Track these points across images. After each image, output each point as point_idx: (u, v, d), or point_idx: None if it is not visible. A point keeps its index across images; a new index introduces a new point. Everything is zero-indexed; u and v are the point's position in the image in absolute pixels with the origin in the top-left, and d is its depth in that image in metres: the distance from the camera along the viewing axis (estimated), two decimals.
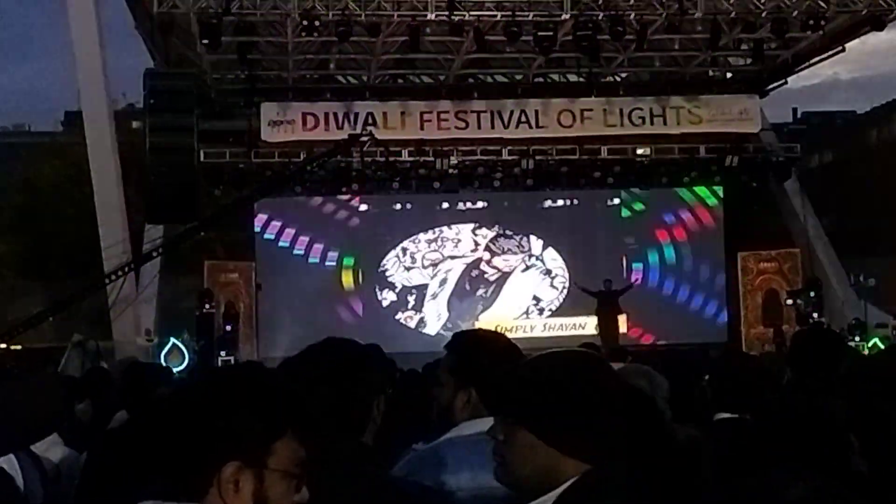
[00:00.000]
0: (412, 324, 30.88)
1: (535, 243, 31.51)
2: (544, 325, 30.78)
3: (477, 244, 31.37)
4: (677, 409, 5.47)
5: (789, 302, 29.40)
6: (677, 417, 5.36)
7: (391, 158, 29.24)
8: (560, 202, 31.61)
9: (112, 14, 26.53)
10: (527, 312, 31.14)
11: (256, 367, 2.80)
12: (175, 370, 23.67)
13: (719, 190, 31.57)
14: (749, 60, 29.64)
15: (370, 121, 28.53)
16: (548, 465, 2.88)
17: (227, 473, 2.51)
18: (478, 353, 4.03)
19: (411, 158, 29.70)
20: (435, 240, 31.31)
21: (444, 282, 31.23)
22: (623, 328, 28.71)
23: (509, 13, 24.31)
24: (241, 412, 2.56)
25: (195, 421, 2.56)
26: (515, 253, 31.51)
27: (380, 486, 3.36)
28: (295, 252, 30.88)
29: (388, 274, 31.12)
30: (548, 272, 31.39)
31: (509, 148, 30.01)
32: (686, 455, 4.69)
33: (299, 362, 3.55)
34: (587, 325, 29.21)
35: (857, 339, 25.87)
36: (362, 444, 3.39)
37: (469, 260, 31.31)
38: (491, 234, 31.37)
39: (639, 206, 31.69)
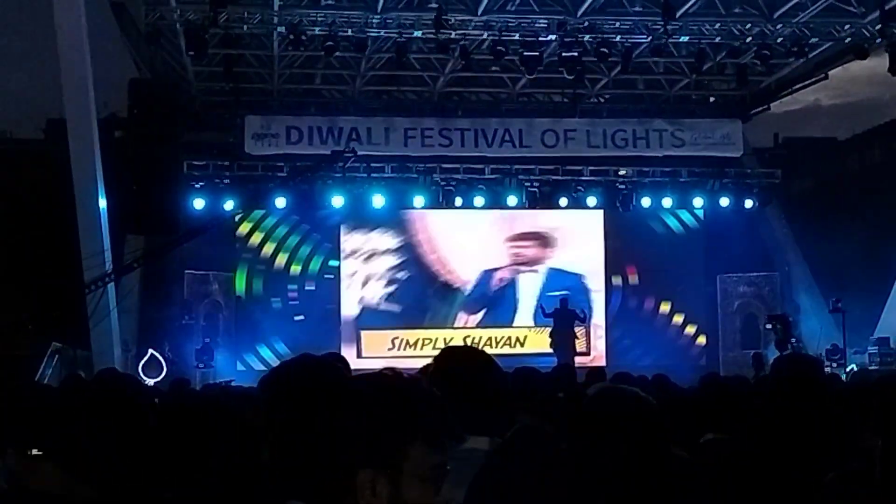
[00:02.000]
0: None
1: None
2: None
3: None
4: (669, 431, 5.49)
5: (768, 326, 29.49)
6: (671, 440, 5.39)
7: (374, 175, 29.27)
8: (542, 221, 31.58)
9: (97, 23, 26.48)
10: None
11: (390, 376, 2.83)
12: (152, 381, 23.71)
13: (700, 213, 31.68)
14: (732, 85, 29.77)
15: (354, 136, 28.53)
16: None
17: (363, 479, 2.58)
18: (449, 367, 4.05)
19: (394, 174, 29.73)
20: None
21: None
22: (580, 347, 28.78)
23: (496, 32, 24.39)
24: (376, 420, 2.64)
25: (332, 428, 2.63)
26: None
27: None
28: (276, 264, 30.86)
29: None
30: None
31: (492, 166, 30.06)
32: (676, 475, 4.72)
33: (275, 378, 3.54)
34: None
35: (834, 364, 25.99)
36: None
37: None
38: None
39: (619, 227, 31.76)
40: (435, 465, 2.64)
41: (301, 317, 30.64)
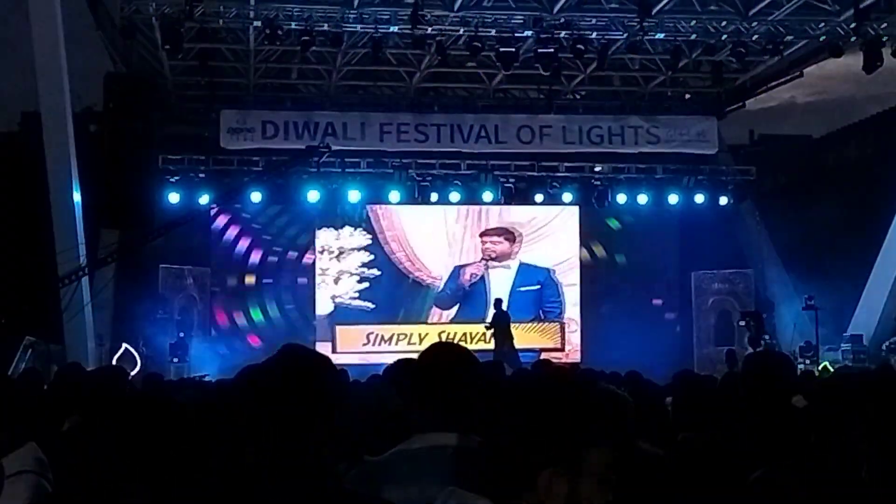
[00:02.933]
0: None
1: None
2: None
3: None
4: (642, 428, 5.53)
5: (741, 323, 29.59)
6: (642, 436, 5.43)
7: (349, 170, 29.25)
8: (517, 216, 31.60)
9: (72, 16, 26.36)
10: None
11: (566, 376, 2.89)
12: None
13: (675, 210, 31.75)
14: (708, 82, 29.87)
15: (330, 131, 28.50)
16: None
17: (543, 479, 2.61)
18: (434, 365, 4.06)
19: (370, 169, 29.72)
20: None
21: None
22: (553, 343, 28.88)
23: (472, 28, 24.39)
24: (559, 422, 2.68)
25: (515, 433, 2.65)
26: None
27: (340, 499, 3.37)
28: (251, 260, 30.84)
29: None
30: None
31: (468, 162, 30.09)
32: (652, 471, 4.76)
33: (259, 372, 3.53)
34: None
35: (807, 361, 26.10)
36: (322, 457, 3.38)
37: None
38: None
39: (594, 224, 31.85)
40: (609, 465, 2.67)
41: (277, 313, 30.66)
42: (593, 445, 2.70)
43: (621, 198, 30.70)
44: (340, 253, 30.86)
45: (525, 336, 30.20)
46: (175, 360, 27.33)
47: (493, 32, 24.54)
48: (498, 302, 28.29)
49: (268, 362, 3.59)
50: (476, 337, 29.93)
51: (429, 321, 30.81)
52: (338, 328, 30.34)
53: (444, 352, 4.26)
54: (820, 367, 25.45)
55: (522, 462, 2.69)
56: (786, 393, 5.75)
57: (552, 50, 24.63)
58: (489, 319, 28.39)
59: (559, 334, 31.06)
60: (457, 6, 23.86)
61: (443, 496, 2.85)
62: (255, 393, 3.42)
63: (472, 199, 30.55)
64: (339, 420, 3.46)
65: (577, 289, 31.67)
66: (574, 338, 31.11)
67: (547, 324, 31.16)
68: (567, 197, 30.68)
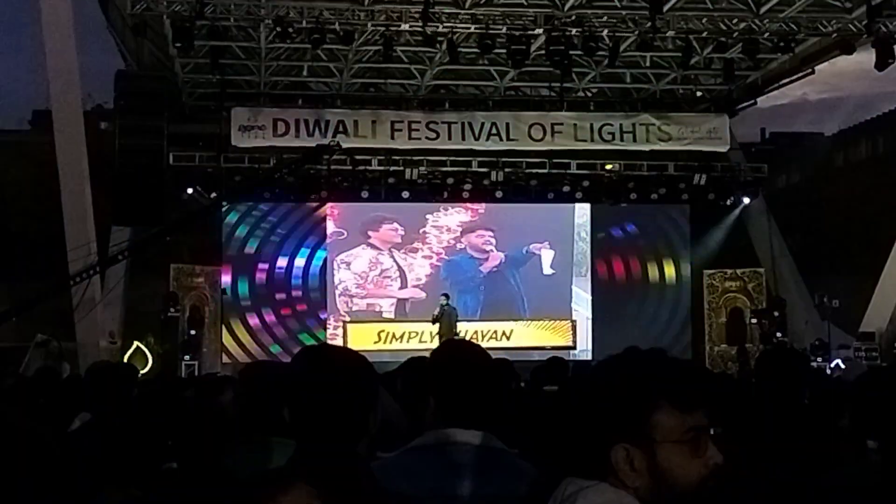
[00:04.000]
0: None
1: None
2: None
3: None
4: None
5: (753, 321, 29.59)
6: None
7: (360, 168, 29.26)
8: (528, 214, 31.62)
9: (83, 14, 26.41)
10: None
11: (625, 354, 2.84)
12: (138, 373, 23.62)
13: (686, 208, 31.73)
14: (719, 80, 29.79)
15: (341, 128, 28.47)
16: None
17: (618, 455, 2.57)
18: (442, 362, 4.05)
19: (381, 167, 29.76)
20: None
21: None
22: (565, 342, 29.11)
23: (483, 26, 24.34)
24: (615, 396, 2.62)
25: (579, 410, 2.65)
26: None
27: (378, 496, 3.34)
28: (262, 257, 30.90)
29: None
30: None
31: (479, 159, 30.08)
32: None
33: (298, 366, 3.53)
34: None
35: (819, 359, 26.05)
36: (354, 453, 3.36)
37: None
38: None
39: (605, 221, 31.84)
40: (690, 429, 2.61)
41: (287, 310, 30.70)
42: (661, 409, 2.61)
43: (632, 195, 30.68)
44: (357, 248, 30.98)
45: (536, 334, 30.25)
46: (186, 357, 27.38)
47: (504, 30, 24.48)
48: (446, 296, 28.28)
49: (307, 357, 3.58)
50: (486, 335, 29.93)
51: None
52: (349, 326, 30.38)
53: (458, 349, 4.25)
54: (832, 366, 25.45)
55: (588, 443, 2.64)
56: (799, 389, 5.72)
57: (563, 47, 24.58)
58: (504, 315, 28.34)
59: (570, 332, 31.03)
60: (468, 4, 23.83)
61: (563, 484, 2.77)
62: (295, 384, 3.41)
63: (483, 196, 30.56)
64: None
65: (589, 286, 31.66)
66: (586, 337, 31.09)
67: (558, 322, 31.14)
68: (578, 194, 30.67)
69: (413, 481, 3.70)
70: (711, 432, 2.65)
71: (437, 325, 27.28)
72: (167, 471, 4.13)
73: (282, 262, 30.86)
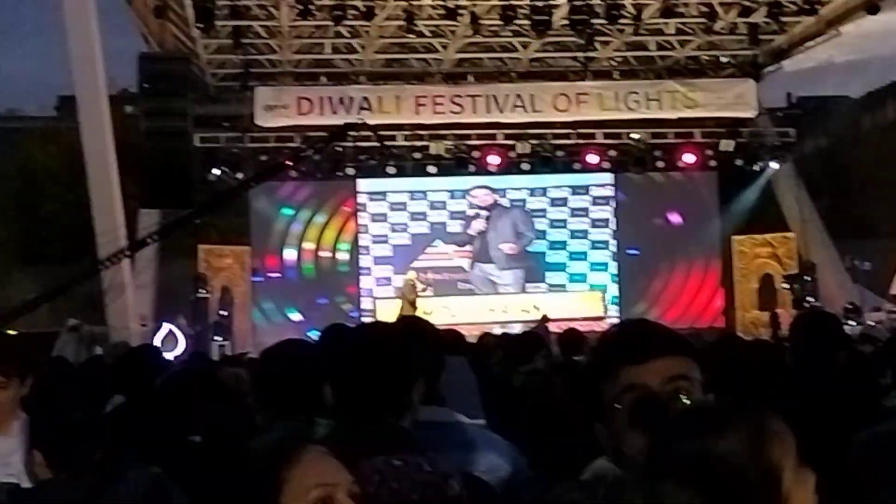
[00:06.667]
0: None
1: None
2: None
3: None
4: None
5: (784, 286, 29.48)
6: None
7: (385, 143, 29.21)
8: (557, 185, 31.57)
9: None
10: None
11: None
12: (170, 355, 23.71)
13: (714, 175, 31.58)
14: (744, 45, 29.58)
15: (365, 105, 28.43)
16: None
17: (599, 434, 2.70)
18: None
19: (406, 143, 29.72)
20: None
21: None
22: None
23: None
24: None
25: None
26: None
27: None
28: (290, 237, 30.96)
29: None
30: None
31: (505, 132, 30.00)
32: None
33: (336, 342, 3.50)
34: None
35: (851, 322, 25.91)
36: (402, 427, 3.33)
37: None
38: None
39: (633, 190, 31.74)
40: (626, 388, 2.62)
41: (318, 290, 30.74)
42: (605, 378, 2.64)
43: (660, 164, 30.57)
44: (386, 226, 31.01)
45: (567, 306, 30.05)
46: (218, 338, 27.46)
47: (526, 0, 24.38)
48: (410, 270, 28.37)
49: (347, 332, 3.56)
50: (516, 307, 29.99)
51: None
52: (378, 303, 30.38)
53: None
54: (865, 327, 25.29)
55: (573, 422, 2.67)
56: (835, 352, 5.67)
57: (586, 16, 24.46)
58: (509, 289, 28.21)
59: (601, 302, 30.99)
60: None
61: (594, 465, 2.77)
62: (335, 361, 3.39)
63: (508, 170, 30.51)
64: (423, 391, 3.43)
65: (615, 256, 31.61)
66: (615, 305, 31.06)
67: (589, 293, 31.13)
68: (605, 164, 30.58)
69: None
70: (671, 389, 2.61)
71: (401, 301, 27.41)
72: (191, 444, 4.13)
73: (310, 241, 30.92)
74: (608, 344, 2.80)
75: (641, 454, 2.41)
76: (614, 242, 31.69)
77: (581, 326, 15.43)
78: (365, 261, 31.01)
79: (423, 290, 28.60)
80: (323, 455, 2.31)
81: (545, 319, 25.40)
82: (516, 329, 21.65)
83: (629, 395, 2.58)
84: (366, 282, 30.95)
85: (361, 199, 31.16)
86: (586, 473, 2.70)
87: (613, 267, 31.56)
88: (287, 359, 4.48)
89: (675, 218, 31.82)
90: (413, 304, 27.08)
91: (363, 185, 30.94)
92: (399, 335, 3.53)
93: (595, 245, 31.65)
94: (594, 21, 25.02)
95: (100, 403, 7.02)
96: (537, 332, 10.06)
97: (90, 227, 25.80)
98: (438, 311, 28.47)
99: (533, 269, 31.35)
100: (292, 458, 2.26)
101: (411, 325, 4.00)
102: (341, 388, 3.33)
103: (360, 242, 31.02)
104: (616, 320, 29.71)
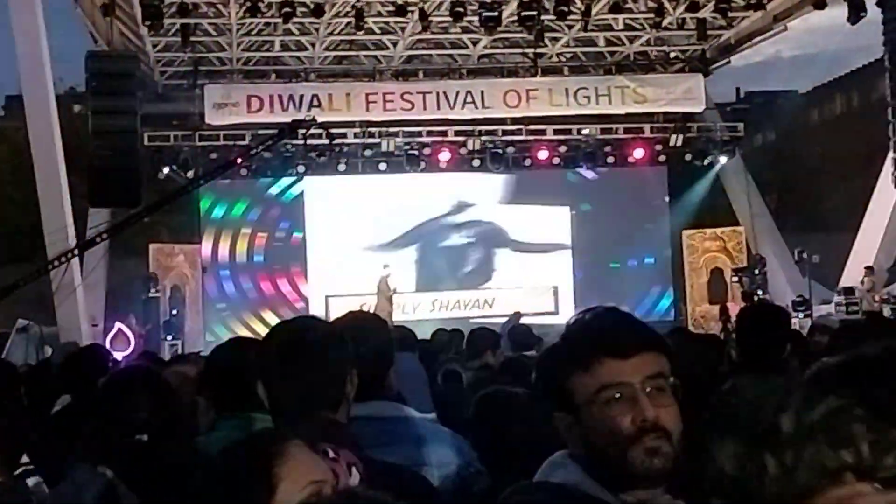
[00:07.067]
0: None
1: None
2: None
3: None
4: None
5: (734, 279, 29.67)
6: None
7: (336, 141, 29.13)
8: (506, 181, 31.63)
9: None
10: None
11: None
12: (120, 355, 23.55)
13: (664, 169, 31.76)
14: (692, 40, 29.76)
15: (315, 102, 28.35)
16: None
17: (560, 426, 2.67)
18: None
19: (357, 140, 29.66)
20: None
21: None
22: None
23: None
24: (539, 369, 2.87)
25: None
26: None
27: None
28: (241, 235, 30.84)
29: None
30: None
31: (455, 128, 30.02)
32: None
33: (274, 339, 3.49)
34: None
35: (800, 315, 26.12)
36: (334, 420, 3.33)
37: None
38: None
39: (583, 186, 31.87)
40: (601, 387, 2.58)
41: (270, 289, 30.66)
42: (570, 373, 2.61)
43: (610, 159, 30.72)
44: (334, 222, 30.88)
45: (517, 300, 30.10)
46: (169, 338, 27.31)
47: None
48: (386, 266, 28.40)
49: (282, 329, 3.55)
50: (468, 304, 30.05)
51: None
52: (331, 300, 30.28)
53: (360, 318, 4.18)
54: (814, 321, 25.49)
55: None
56: (782, 344, 5.72)
57: (535, 12, 24.52)
58: (488, 284, 28.31)
59: (552, 297, 31.08)
60: None
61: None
62: (271, 357, 3.39)
63: (459, 166, 30.52)
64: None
65: (569, 251, 31.72)
66: (567, 301, 31.11)
67: (540, 288, 31.21)
68: (555, 160, 30.68)
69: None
70: (651, 388, 2.57)
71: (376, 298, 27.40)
72: (137, 443, 4.12)
73: (261, 238, 30.82)
74: (583, 331, 2.70)
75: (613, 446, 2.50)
76: (567, 238, 31.78)
77: (532, 321, 15.52)
78: (314, 257, 30.93)
79: (394, 289, 28.50)
80: (307, 450, 2.34)
81: (518, 315, 25.47)
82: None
83: (611, 392, 2.55)
84: (315, 279, 30.83)
85: (311, 195, 31.06)
86: (544, 469, 2.70)
87: (566, 262, 31.65)
88: (229, 357, 4.52)
89: (624, 213, 31.83)
90: (390, 301, 27.15)
91: (313, 181, 30.82)
92: (331, 330, 3.54)
93: (548, 242, 31.71)
94: (543, 17, 25.08)
95: (47, 404, 6.99)
96: (490, 329, 10.06)
97: (39, 227, 25.60)
98: (423, 306, 28.65)
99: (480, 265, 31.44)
100: (282, 454, 2.28)
101: (354, 320, 3.99)
102: (270, 384, 3.36)
103: (308, 240, 30.92)
104: (569, 315, 29.92)
